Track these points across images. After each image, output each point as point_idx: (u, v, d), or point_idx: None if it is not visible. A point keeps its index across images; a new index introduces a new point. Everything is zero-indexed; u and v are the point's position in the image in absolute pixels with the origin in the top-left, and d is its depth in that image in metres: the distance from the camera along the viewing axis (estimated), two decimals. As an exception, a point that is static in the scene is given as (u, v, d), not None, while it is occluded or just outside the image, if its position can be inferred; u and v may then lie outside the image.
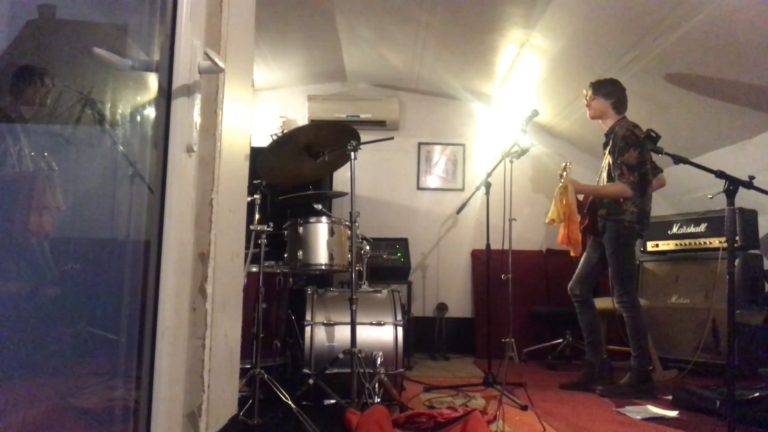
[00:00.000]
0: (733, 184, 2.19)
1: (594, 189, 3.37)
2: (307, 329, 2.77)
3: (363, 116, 4.88)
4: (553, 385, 3.40)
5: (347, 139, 2.62)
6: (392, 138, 3.02)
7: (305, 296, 2.90)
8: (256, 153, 2.39)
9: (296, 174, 2.90)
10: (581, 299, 3.39)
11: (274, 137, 2.85)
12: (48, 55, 1.43)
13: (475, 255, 5.01)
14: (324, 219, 2.86)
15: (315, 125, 2.77)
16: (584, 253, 3.47)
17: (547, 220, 3.32)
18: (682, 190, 4.35)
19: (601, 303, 3.56)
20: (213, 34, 1.57)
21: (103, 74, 1.41)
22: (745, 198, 2.43)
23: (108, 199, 1.50)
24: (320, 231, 2.84)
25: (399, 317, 2.84)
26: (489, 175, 3.51)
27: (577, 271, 3.46)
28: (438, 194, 5.15)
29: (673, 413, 2.72)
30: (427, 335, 4.76)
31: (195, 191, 1.52)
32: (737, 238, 3.59)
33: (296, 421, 2.27)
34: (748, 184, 2.22)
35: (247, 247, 2.31)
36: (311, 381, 2.63)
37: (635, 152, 3.16)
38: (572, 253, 3.35)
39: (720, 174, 2.23)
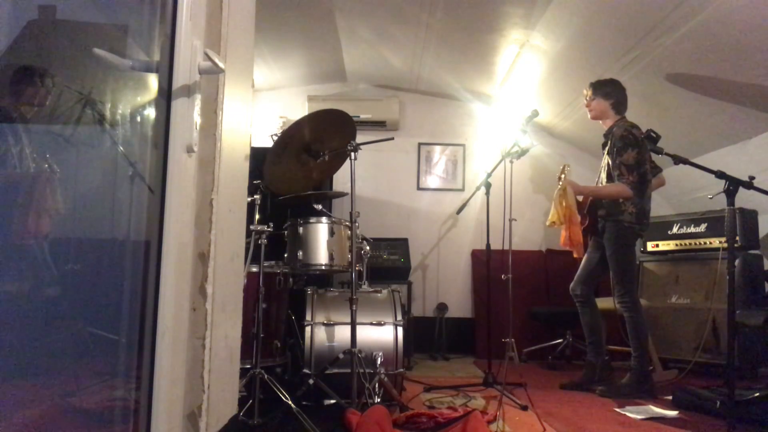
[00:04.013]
0: (733, 184, 2.20)
1: (593, 190, 3.37)
2: (307, 329, 2.77)
3: (363, 117, 4.88)
4: (553, 385, 3.40)
5: (345, 129, 2.61)
6: (392, 138, 3.03)
7: (305, 296, 2.90)
8: (257, 156, 2.39)
9: (301, 179, 2.90)
10: (583, 299, 3.39)
11: (274, 137, 2.85)
12: (48, 55, 1.43)
13: (475, 255, 5.01)
14: (324, 219, 2.86)
15: (312, 115, 2.75)
16: (585, 254, 3.47)
17: (547, 223, 3.33)
18: (682, 190, 4.34)
19: (602, 303, 3.56)
20: (213, 35, 1.57)
21: (103, 74, 1.41)
22: (745, 198, 2.43)
23: (108, 199, 1.50)
24: (320, 231, 2.84)
25: (399, 317, 2.84)
26: (489, 175, 3.51)
27: (578, 271, 3.46)
28: (438, 194, 5.15)
29: (673, 413, 2.73)
30: (427, 335, 4.76)
31: (195, 191, 1.52)
32: (737, 238, 3.59)
33: (296, 421, 2.28)
34: (748, 184, 2.22)
35: (247, 247, 2.31)
36: (311, 381, 2.63)
37: (633, 152, 3.16)
38: (575, 255, 3.35)
39: (720, 174, 2.23)
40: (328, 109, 2.77)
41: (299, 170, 2.86)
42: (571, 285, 3.45)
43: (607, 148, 3.34)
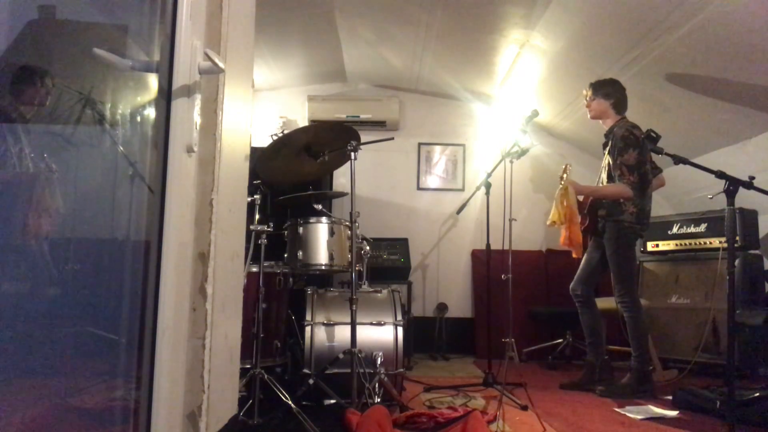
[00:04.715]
0: (733, 184, 2.19)
1: (594, 190, 3.37)
2: (307, 329, 2.77)
3: (363, 116, 4.88)
4: (553, 385, 3.40)
5: (347, 139, 2.61)
6: (392, 138, 3.03)
7: (305, 296, 2.90)
8: (256, 153, 2.39)
9: (296, 174, 2.90)
10: (583, 299, 3.39)
11: (275, 137, 2.85)
12: (48, 55, 1.43)
13: (475, 255, 5.01)
14: (324, 219, 2.86)
15: (315, 126, 2.75)
16: (585, 254, 3.47)
17: (548, 222, 3.33)
18: (682, 190, 4.35)
19: (603, 303, 3.56)
20: (213, 35, 1.57)
21: (103, 75, 1.41)
22: (745, 198, 2.43)
23: (108, 199, 1.50)
24: (320, 231, 2.84)
25: (399, 317, 2.84)
26: (489, 175, 3.51)
27: (578, 271, 3.46)
28: (438, 194, 5.15)
29: (673, 413, 2.73)
30: (427, 335, 4.76)
31: (195, 191, 1.52)
32: (737, 238, 3.59)
33: (296, 421, 2.28)
34: (748, 184, 2.22)
35: (247, 247, 2.31)
36: (311, 381, 2.63)
37: (634, 152, 3.16)
38: (574, 255, 3.35)
39: (720, 174, 2.22)
40: (333, 121, 2.77)
41: (297, 166, 2.85)
42: (572, 285, 3.45)
43: (608, 148, 3.34)
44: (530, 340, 4.49)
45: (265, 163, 2.70)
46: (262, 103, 5.08)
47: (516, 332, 3.81)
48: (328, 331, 2.78)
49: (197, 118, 1.41)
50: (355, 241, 2.67)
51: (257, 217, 2.69)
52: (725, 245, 2.50)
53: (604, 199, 3.30)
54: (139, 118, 1.50)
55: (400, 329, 2.81)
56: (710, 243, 3.86)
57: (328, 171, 3.21)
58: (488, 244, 3.47)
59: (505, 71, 4.33)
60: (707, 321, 3.68)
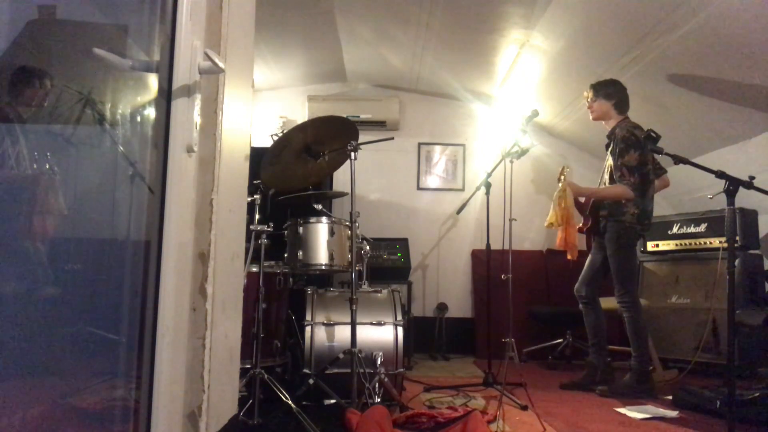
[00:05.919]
0: (733, 184, 2.19)
1: (594, 191, 3.37)
2: (307, 329, 2.77)
3: (363, 116, 4.88)
4: (553, 385, 3.40)
5: (345, 133, 2.61)
6: (392, 138, 3.02)
7: (305, 296, 2.90)
8: (257, 155, 2.39)
9: (298, 178, 2.90)
10: (587, 300, 3.39)
11: (275, 137, 2.85)
12: (48, 55, 1.43)
13: (475, 255, 5.01)
14: (324, 219, 2.86)
15: (313, 121, 2.74)
16: (589, 255, 3.47)
17: (546, 224, 3.33)
18: (683, 190, 4.34)
19: (603, 303, 3.56)
20: (213, 35, 1.57)
21: (103, 74, 1.41)
22: (745, 198, 2.43)
23: (108, 199, 1.50)
24: (320, 231, 2.84)
25: (399, 317, 2.84)
26: (489, 175, 3.51)
27: (582, 272, 3.46)
28: (438, 194, 5.15)
29: (673, 413, 2.73)
30: (427, 335, 4.76)
31: (195, 191, 1.52)
32: (737, 238, 3.59)
33: (296, 421, 2.28)
34: (748, 184, 2.22)
35: (247, 247, 2.31)
36: (311, 381, 2.63)
37: (635, 153, 3.15)
38: (569, 257, 3.35)
39: (720, 174, 2.22)
40: (330, 116, 2.76)
41: (298, 168, 2.86)
42: (576, 286, 3.46)
43: (610, 149, 3.34)
44: (530, 340, 4.48)
45: (266, 168, 2.70)
46: (262, 103, 5.08)
47: (516, 332, 3.80)
48: (328, 331, 2.78)
49: (197, 118, 1.41)
50: (355, 241, 2.67)
51: (257, 217, 2.69)
52: (725, 245, 2.50)
53: (604, 200, 3.30)
54: (139, 118, 1.50)
55: (400, 329, 2.81)
56: (710, 243, 3.86)
57: (329, 172, 3.20)
58: (488, 244, 3.47)
59: (505, 71, 4.33)
60: (707, 321, 3.68)
